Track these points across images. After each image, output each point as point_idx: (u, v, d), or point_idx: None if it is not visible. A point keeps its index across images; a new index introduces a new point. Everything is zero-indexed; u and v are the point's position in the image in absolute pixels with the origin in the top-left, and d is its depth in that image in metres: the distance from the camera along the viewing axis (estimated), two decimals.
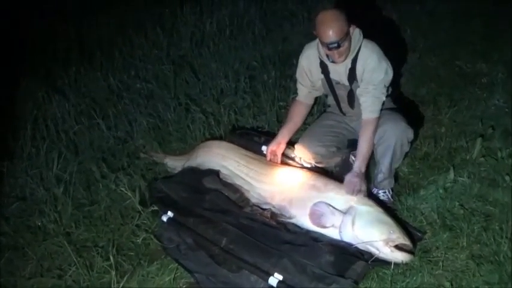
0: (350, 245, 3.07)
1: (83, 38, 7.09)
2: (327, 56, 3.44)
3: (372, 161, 3.59)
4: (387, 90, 3.49)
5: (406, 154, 3.61)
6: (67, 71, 5.98)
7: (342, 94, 3.64)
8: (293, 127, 3.86)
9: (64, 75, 5.90)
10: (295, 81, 3.94)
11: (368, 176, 3.54)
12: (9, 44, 6.30)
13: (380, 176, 3.54)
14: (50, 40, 7.07)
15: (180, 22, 7.05)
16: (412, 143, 3.52)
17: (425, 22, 6.58)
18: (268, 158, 3.79)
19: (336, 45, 3.22)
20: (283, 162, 3.80)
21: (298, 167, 3.74)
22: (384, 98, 3.45)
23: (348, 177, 3.31)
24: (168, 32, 6.80)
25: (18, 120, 5.08)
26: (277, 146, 3.79)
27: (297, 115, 3.86)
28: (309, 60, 3.63)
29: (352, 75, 3.46)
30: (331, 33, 3.20)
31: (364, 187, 3.27)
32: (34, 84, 5.78)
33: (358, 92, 3.47)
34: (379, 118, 3.44)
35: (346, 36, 3.24)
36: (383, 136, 3.39)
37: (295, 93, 3.96)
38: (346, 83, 3.53)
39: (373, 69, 3.37)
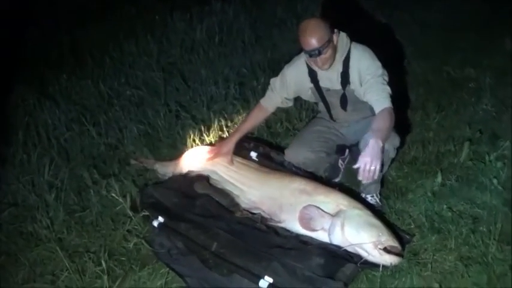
0: (339, 247, 3.09)
1: (75, 45, 7.10)
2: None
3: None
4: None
5: (393, 160, 3.64)
6: (58, 77, 5.99)
7: (333, 101, 3.65)
8: (247, 131, 3.98)
9: (55, 82, 5.91)
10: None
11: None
12: (2, 50, 6.30)
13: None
14: (43, 46, 7.09)
15: (170, 29, 7.07)
16: (398, 149, 3.54)
17: (415, 29, 6.66)
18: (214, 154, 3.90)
19: (316, 52, 3.26)
20: (273, 168, 3.83)
21: (287, 172, 3.75)
22: (389, 89, 3.33)
23: (361, 157, 3.05)
24: (158, 39, 6.81)
25: (10, 127, 5.08)
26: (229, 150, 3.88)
27: (256, 120, 3.97)
28: (297, 70, 3.63)
29: (345, 78, 3.47)
30: (311, 41, 3.24)
31: (378, 165, 3.01)
32: (26, 91, 5.78)
33: (361, 93, 3.41)
34: (393, 109, 3.26)
35: (328, 43, 3.26)
36: None
37: None
38: (339, 87, 3.53)
39: (368, 65, 3.37)
